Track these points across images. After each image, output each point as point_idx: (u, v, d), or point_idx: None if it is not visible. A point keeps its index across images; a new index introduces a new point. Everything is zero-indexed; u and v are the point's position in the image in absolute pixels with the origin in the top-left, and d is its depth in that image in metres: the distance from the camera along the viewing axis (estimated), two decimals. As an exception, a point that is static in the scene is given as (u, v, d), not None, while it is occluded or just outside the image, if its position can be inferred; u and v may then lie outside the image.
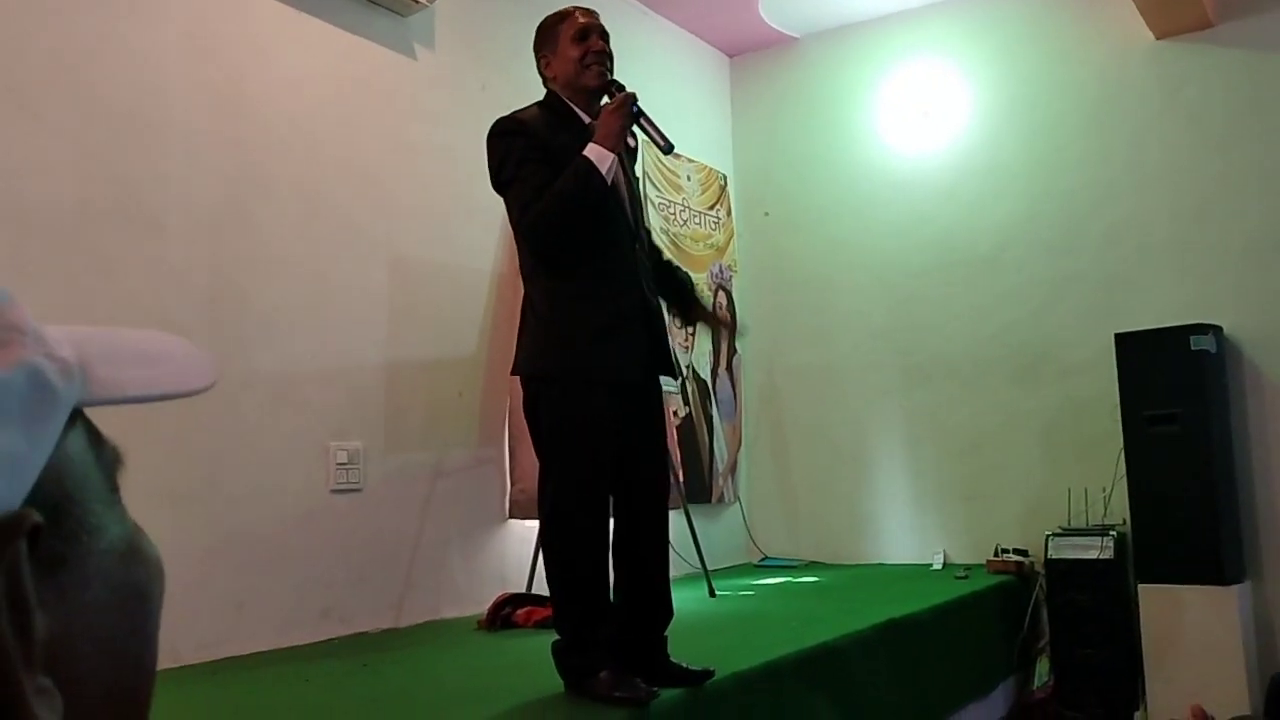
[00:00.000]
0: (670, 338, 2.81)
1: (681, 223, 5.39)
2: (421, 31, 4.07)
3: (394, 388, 3.79)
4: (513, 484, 4.19)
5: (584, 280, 2.54)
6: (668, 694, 2.48)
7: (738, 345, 5.76)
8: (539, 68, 2.72)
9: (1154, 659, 4.17)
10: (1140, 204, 4.86)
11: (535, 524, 3.95)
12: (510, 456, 4.21)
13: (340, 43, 3.74)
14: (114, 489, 0.41)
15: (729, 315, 2.79)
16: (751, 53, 5.96)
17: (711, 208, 5.64)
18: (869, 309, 5.50)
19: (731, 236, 5.80)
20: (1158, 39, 4.86)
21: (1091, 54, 5.04)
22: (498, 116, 2.66)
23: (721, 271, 5.69)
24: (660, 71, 5.28)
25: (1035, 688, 4.56)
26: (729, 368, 5.70)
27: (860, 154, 5.60)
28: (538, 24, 2.75)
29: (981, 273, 5.20)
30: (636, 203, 2.74)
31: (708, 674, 2.60)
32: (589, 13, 2.70)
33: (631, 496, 2.60)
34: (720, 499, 5.47)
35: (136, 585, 0.40)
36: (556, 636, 2.56)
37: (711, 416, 5.47)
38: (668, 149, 2.57)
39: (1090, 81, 5.03)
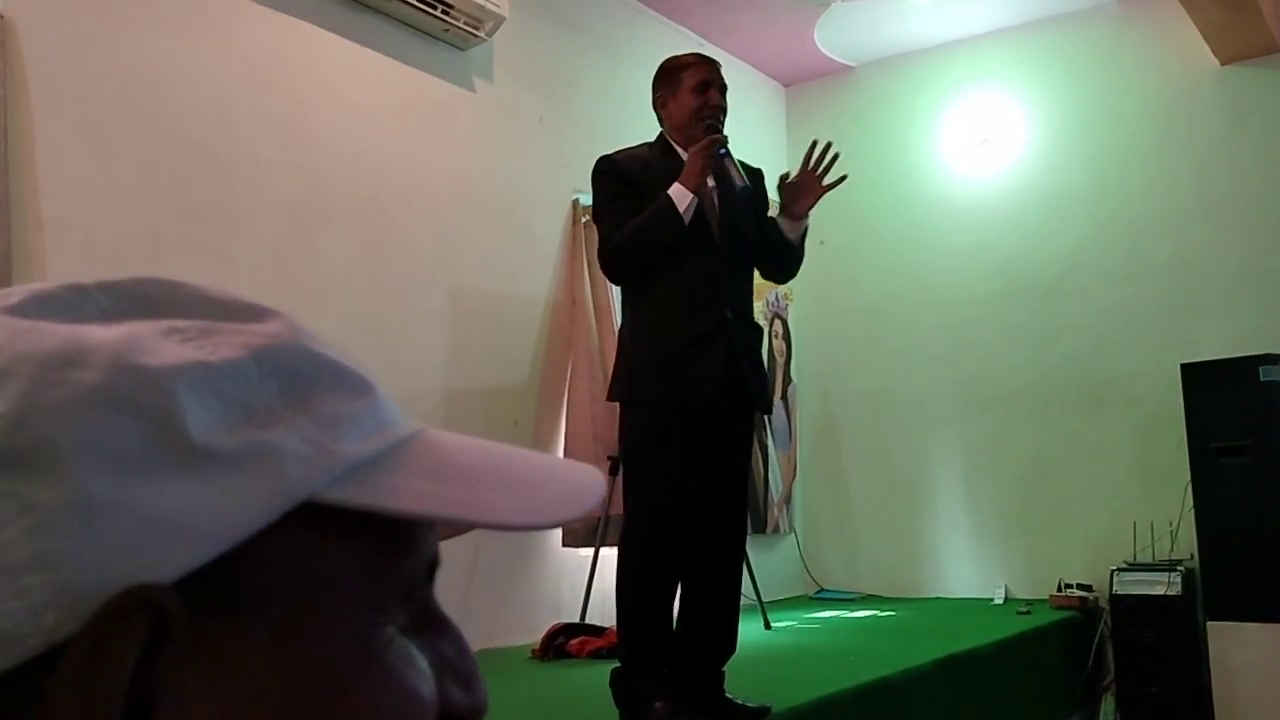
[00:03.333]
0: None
1: (737, 251, 5.38)
2: (480, 64, 4.13)
3: (451, 415, 3.82)
4: (567, 512, 4.19)
5: (659, 308, 2.62)
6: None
7: (792, 373, 5.73)
8: (654, 105, 2.81)
9: (1224, 699, 4.04)
10: (1207, 231, 4.77)
11: (589, 552, 3.98)
12: (565, 484, 4.21)
13: (401, 76, 3.81)
14: (381, 608, 0.38)
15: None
16: (807, 82, 5.96)
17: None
18: (928, 337, 5.44)
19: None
20: (1223, 64, 4.78)
21: (1155, 80, 4.96)
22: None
23: (777, 300, 5.67)
24: (716, 101, 5.30)
25: (1100, 727, 4.45)
26: (784, 396, 5.67)
27: (918, 182, 5.56)
28: (661, 66, 2.81)
29: (1044, 301, 5.13)
30: (736, 228, 2.72)
31: (764, 711, 2.57)
32: (711, 65, 2.77)
33: (708, 526, 2.60)
34: (775, 529, 5.43)
35: (347, 712, 0.37)
36: (616, 665, 2.56)
37: (766, 445, 5.44)
38: (742, 192, 2.69)
39: (1154, 107, 4.96)
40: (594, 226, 4.35)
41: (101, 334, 0.35)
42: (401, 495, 0.38)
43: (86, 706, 0.32)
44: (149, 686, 0.33)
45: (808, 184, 2.74)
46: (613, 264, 2.67)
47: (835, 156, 2.73)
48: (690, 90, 2.71)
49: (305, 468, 0.36)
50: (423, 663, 0.40)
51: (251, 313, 0.39)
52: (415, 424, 0.42)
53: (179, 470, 0.33)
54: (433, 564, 0.43)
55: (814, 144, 2.74)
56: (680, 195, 2.56)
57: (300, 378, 0.38)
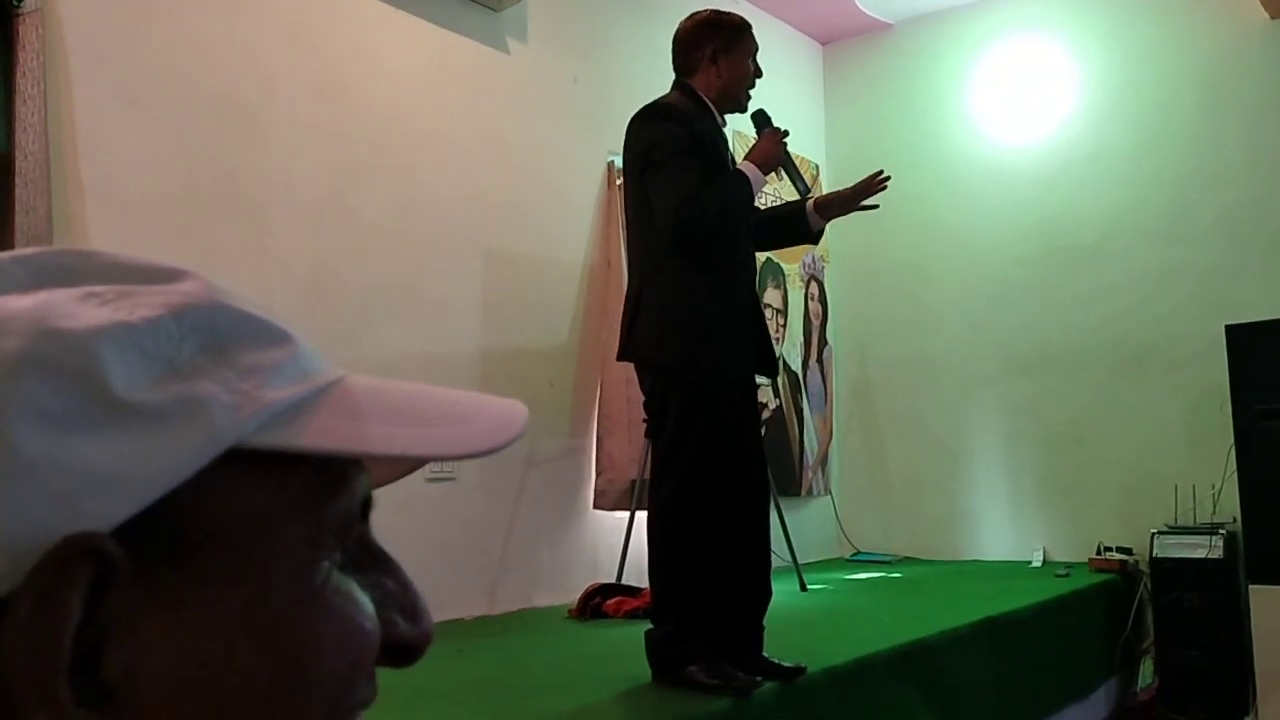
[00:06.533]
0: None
1: (773, 213, 5.35)
2: (514, 25, 4.10)
3: (487, 376, 3.84)
4: (599, 475, 4.21)
5: (712, 274, 2.59)
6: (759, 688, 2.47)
7: (828, 336, 5.70)
8: (697, 57, 2.71)
9: (1266, 663, 4.00)
10: (1254, 190, 4.67)
11: (624, 514, 3.99)
12: (598, 447, 4.23)
13: (436, 38, 3.80)
14: (316, 545, 0.40)
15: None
16: (845, 40, 5.88)
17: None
18: (966, 299, 5.38)
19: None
20: (1272, 18, 4.65)
21: (1202, 35, 4.85)
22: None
23: (814, 262, 5.64)
24: (752, 60, 5.24)
25: (1138, 689, 4.43)
26: (819, 359, 5.64)
27: (957, 141, 5.48)
28: (717, 15, 2.76)
29: (1085, 261, 5.06)
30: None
31: (799, 670, 2.59)
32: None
33: (739, 486, 2.62)
34: (810, 492, 5.42)
35: (289, 650, 0.38)
36: (649, 627, 2.57)
37: (802, 409, 5.43)
38: (805, 192, 2.80)
39: (1201, 64, 4.84)
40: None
41: (18, 303, 0.36)
42: (325, 435, 0.39)
43: (36, 653, 0.33)
44: (98, 631, 0.35)
45: (857, 197, 2.79)
46: (694, 229, 2.51)
47: (886, 185, 2.80)
48: (748, 55, 2.72)
49: (231, 415, 0.37)
50: (361, 595, 0.42)
51: (166, 274, 0.40)
52: (338, 370, 0.43)
53: (108, 425, 0.35)
54: (366, 503, 0.44)
55: (881, 171, 2.78)
56: (757, 179, 2.62)
57: (219, 332, 0.39)
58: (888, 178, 2.77)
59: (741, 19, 2.77)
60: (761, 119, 2.76)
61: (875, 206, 2.82)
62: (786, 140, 2.72)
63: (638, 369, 2.71)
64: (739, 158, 2.77)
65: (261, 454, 0.38)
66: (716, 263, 2.59)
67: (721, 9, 2.82)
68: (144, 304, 0.38)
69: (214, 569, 0.37)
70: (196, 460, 0.36)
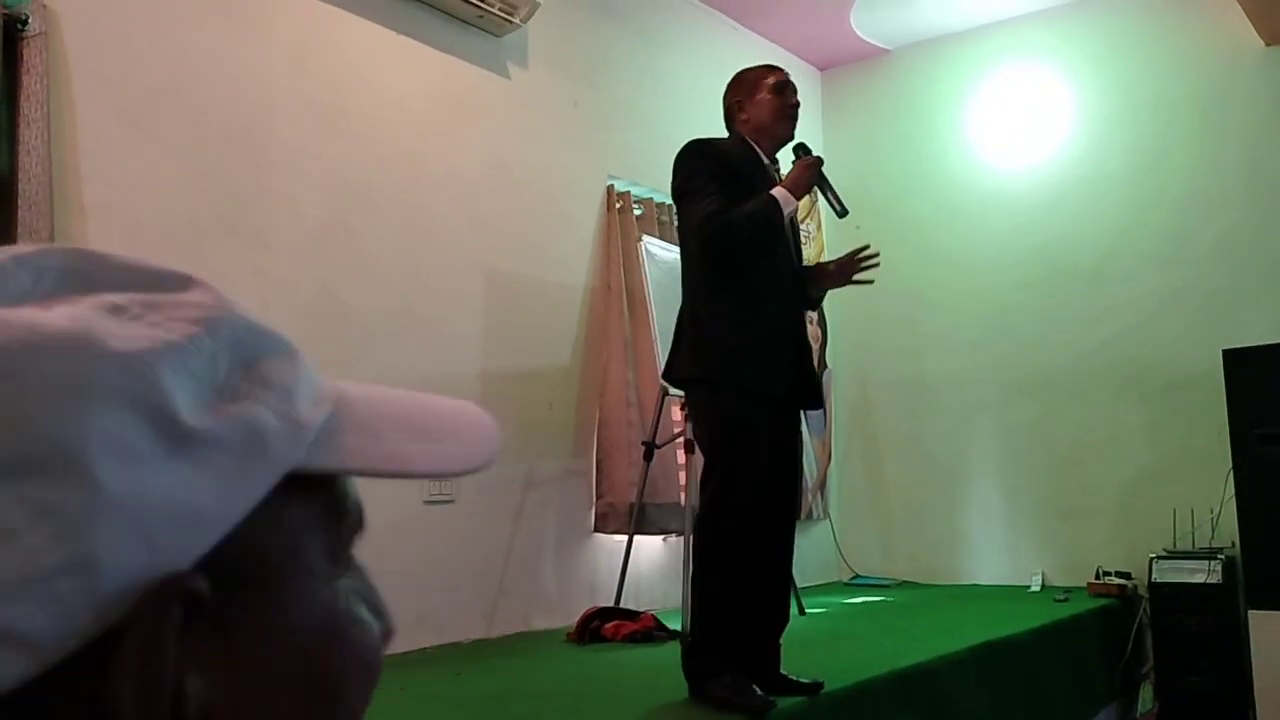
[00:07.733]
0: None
1: (772, 237, 5.37)
2: (515, 51, 4.13)
3: (488, 399, 3.84)
4: (599, 498, 4.21)
5: (743, 297, 2.69)
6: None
7: (828, 359, 5.71)
8: (730, 111, 2.90)
9: (1265, 688, 3.99)
10: (1252, 214, 4.70)
11: (623, 537, 3.99)
12: (598, 470, 4.23)
13: (437, 63, 3.82)
14: (336, 562, 0.40)
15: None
16: (842, 66, 5.92)
17: (802, 221, 5.60)
18: (966, 322, 5.40)
19: (822, 250, 5.75)
20: (1267, 45, 4.69)
21: (1198, 61, 4.88)
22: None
23: (812, 285, 5.65)
24: (751, 86, 5.27)
25: (1138, 715, 4.41)
26: (819, 381, 5.64)
27: (956, 166, 5.51)
28: (739, 73, 2.92)
29: (1085, 285, 5.08)
30: (798, 240, 2.96)
31: (818, 685, 2.65)
32: (785, 73, 2.92)
33: (767, 505, 2.68)
34: (809, 515, 5.41)
35: (328, 674, 0.39)
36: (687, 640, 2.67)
37: (801, 431, 5.42)
38: (843, 214, 2.87)
39: (1198, 89, 4.88)
40: (629, 211, 4.42)
41: (45, 317, 0.33)
42: (361, 456, 0.39)
43: (149, 698, 0.32)
44: (181, 670, 0.34)
45: (843, 273, 2.91)
46: (720, 241, 2.66)
47: (877, 263, 2.88)
48: (770, 91, 2.84)
49: (283, 440, 0.36)
50: (369, 617, 0.42)
51: (175, 281, 0.38)
52: (328, 379, 0.42)
53: (178, 455, 0.33)
54: (361, 512, 0.44)
55: (867, 246, 2.88)
56: (786, 201, 2.72)
57: (244, 347, 0.37)
58: (876, 254, 2.86)
59: (761, 67, 2.92)
60: (801, 150, 2.89)
61: (870, 282, 2.92)
62: (822, 165, 2.81)
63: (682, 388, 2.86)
64: None
65: (292, 477, 0.37)
66: (744, 284, 2.69)
67: (746, 66, 2.96)
68: (176, 318, 0.36)
69: (260, 599, 0.37)
70: (260, 488, 0.35)
